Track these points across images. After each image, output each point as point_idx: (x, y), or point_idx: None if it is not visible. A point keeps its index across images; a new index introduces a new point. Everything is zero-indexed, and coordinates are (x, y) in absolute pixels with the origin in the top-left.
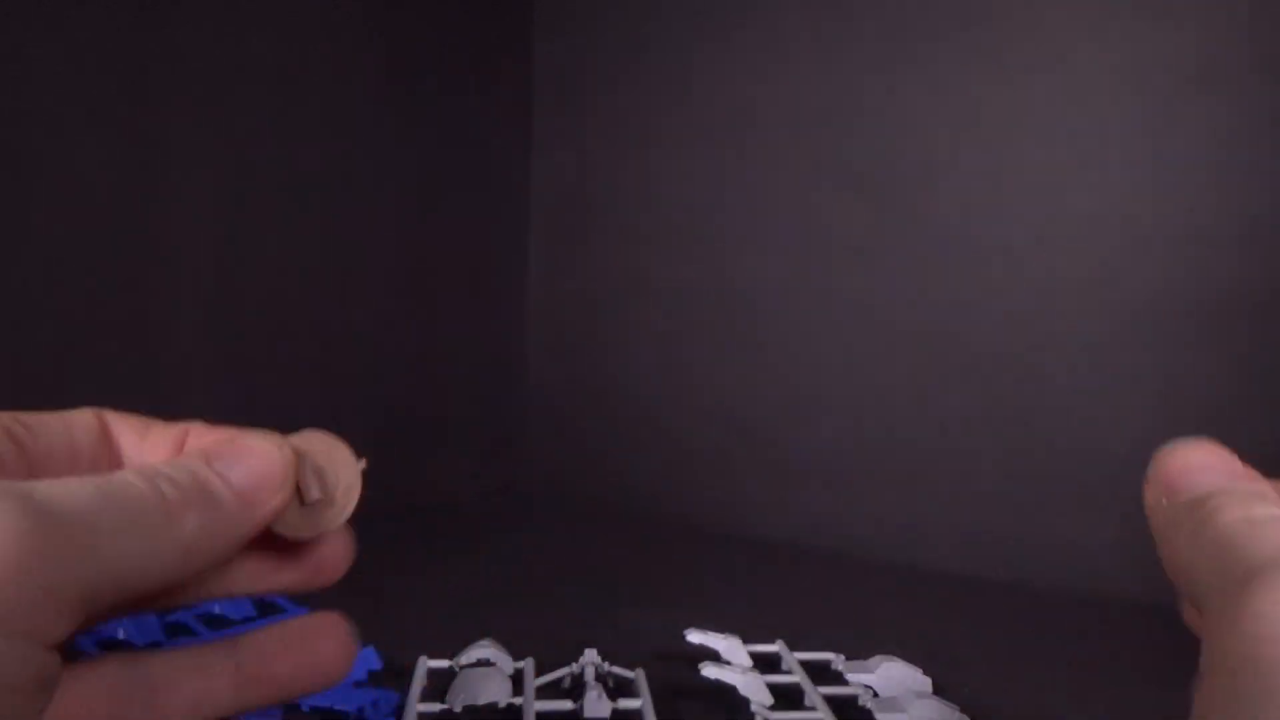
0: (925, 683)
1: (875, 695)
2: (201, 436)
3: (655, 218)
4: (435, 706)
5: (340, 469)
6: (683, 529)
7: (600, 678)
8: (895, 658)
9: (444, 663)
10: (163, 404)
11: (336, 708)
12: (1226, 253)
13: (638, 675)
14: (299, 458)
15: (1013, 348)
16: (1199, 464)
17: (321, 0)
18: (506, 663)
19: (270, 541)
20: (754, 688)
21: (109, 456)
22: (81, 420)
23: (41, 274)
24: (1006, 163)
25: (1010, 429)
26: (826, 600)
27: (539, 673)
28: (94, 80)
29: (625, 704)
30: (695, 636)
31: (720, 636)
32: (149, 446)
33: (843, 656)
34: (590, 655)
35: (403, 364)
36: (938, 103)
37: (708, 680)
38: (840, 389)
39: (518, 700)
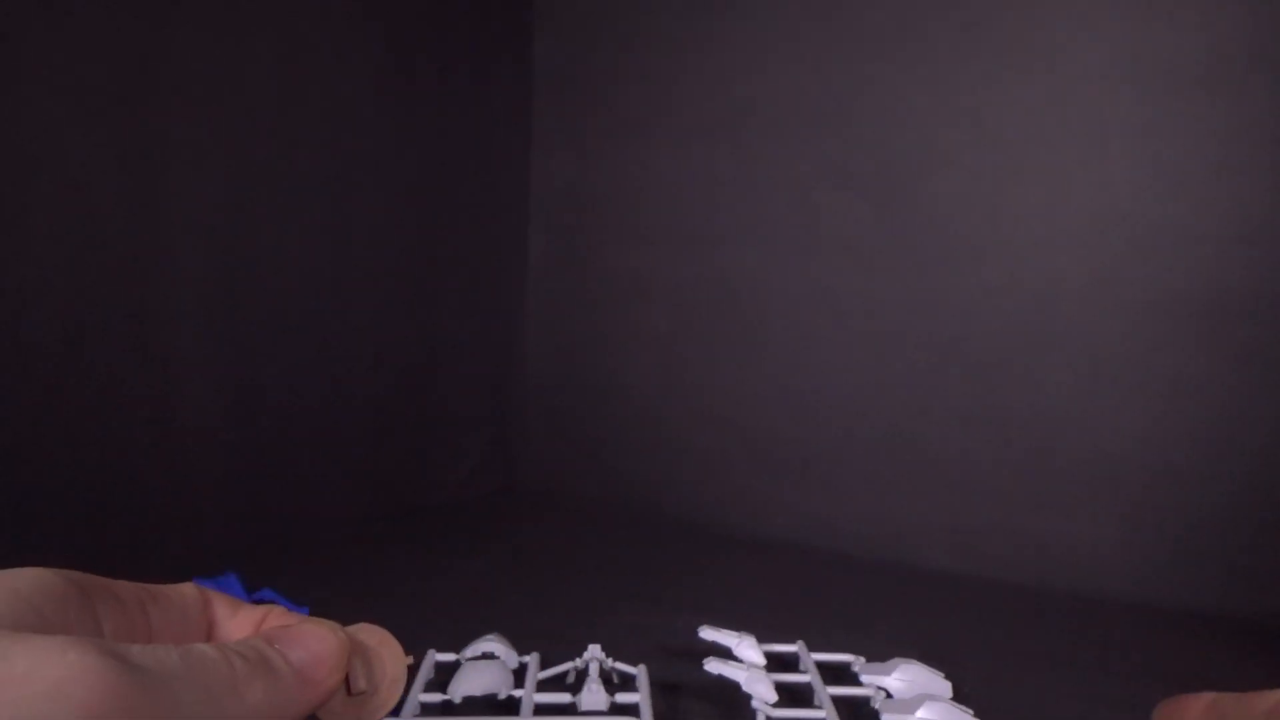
0: (946, 686)
1: (889, 697)
2: (278, 619)
3: (655, 217)
4: (437, 697)
5: (389, 662)
6: (683, 528)
7: (604, 673)
8: (915, 661)
9: (451, 656)
10: (163, 403)
11: None
12: (1227, 253)
13: (640, 671)
14: (351, 646)
15: (1013, 347)
16: None
17: (321, 2)
18: (511, 657)
19: None
20: (757, 685)
21: (207, 628)
22: (190, 594)
23: (41, 273)
24: (1006, 162)
25: (1010, 429)
26: (837, 600)
27: (543, 667)
28: (94, 80)
29: (623, 698)
30: (708, 634)
31: (734, 634)
32: (236, 624)
33: (863, 659)
34: (594, 650)
35: (402, 363)
36: (938, 102)
37: (712, 677)
38: (840, 388)
39: (518, 692)
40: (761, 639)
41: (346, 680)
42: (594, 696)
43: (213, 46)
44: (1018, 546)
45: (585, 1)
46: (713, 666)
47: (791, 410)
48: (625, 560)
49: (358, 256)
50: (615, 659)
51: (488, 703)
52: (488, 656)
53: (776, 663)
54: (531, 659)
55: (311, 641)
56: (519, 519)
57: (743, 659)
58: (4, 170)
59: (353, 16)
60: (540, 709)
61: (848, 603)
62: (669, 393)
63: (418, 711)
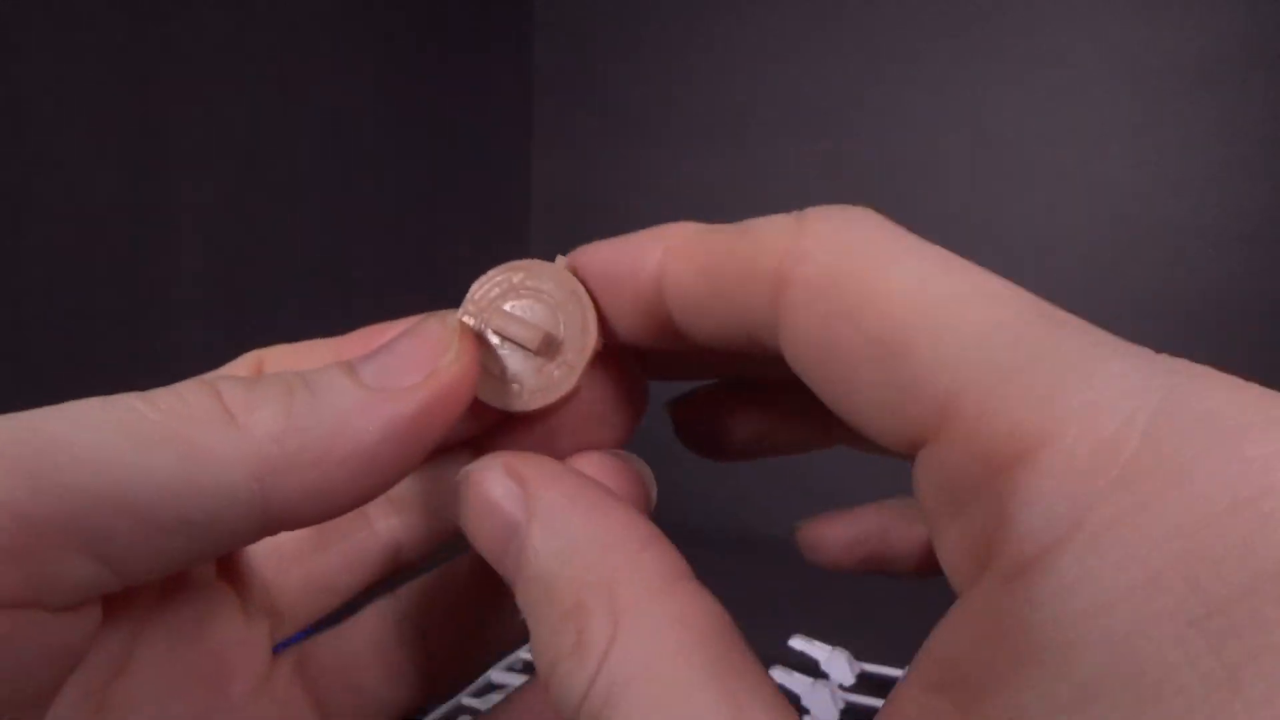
0: None
1: None
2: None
3: (655, 217)
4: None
5: (584, 329)
6: (683, 529)
7: None
8: None
9: None
10: None
11: None
12: (1227, 252)
13: None
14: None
15: None
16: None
17: (321, 2)
18: None
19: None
20: (819, 701)
21: None
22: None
23: (40, 273)
24: (1006, 163)
25: None
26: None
27: None
28: (94, 80)
29: None
30: (799, 644)
31: (825, 647)
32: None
33: None
34: None
35: None
36: (937, 102)
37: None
38: None
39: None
40: (765, 639)
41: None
42: None
43: (213, 46)
44: None
45: (585, 1)
46: (775, 675)
47: None
48: None
49: (358, 256)
50: None
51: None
52: None
53: (871, 683)
54: None
55: (403, 339)
56: None
57: (830, 674)
58: (4, 170)
59: (353, 16)
60: None
61: (847, 604)
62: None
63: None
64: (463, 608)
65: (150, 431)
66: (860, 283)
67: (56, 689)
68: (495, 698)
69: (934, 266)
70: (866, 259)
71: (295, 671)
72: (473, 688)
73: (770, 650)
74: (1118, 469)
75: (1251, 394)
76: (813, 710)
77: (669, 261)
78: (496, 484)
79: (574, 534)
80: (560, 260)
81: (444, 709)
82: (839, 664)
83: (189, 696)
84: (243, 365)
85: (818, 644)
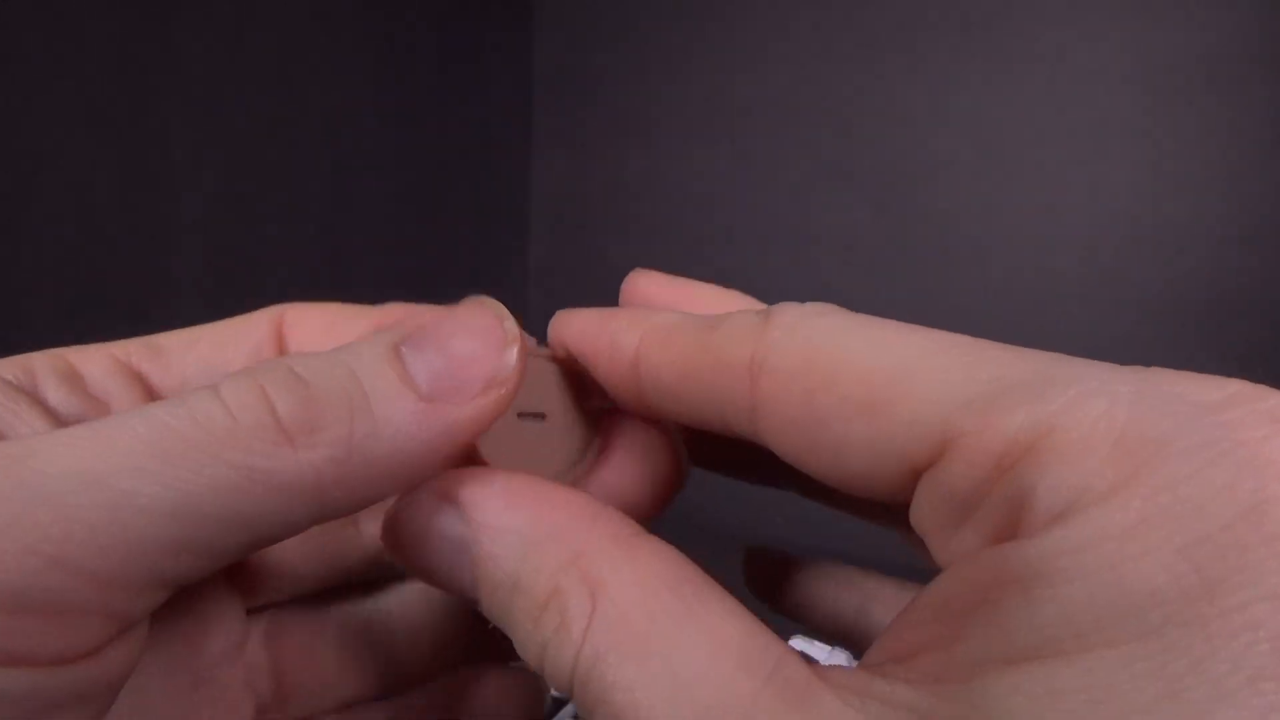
0: None
1: None
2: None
3: (655, 217)
4: None
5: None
6: (683, 529)
7: None
8: None
9: None
10: None
11: None
12: (1228, 252)
13: None
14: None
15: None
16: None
17: (321, 1)
18: None
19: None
20: None
21: None
22: (247, 332)
23: (40, 273)
24: (1006, 162)
25: None
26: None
27: None
28: (94, 80)
29: None
30: (799, 644)
31: (825, 647)
32: (351, 330)
33: None
34: None
35: None
36: (937, 102)
37: None
38: None
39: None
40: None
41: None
42: None
43: (213, 46)
44: None
45: (585, 1)
46: None
47: None
48: None
49: (357, 256)
50: None
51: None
52: None
53: None
54: None
55: (462, 335)
56: None
57: None
58: (4, 170)
59: (352, 16)
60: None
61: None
62: None
63: None
64: (436, 623)
65: (198, 458)
66: (833, 356)
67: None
68: None
69: (897, 333)
70: (835, 337)
71: (266, 637)
72: None
73: None
74: (1110, 443)
75: (1210, 379)
76: None
77: (645, 350)
78: (429, 511)
79: (525, 530)
80: (543, 346)
81: None
82: (839, 663)
83: (169, 649)
84: (265, 321)
85: (818, 644)
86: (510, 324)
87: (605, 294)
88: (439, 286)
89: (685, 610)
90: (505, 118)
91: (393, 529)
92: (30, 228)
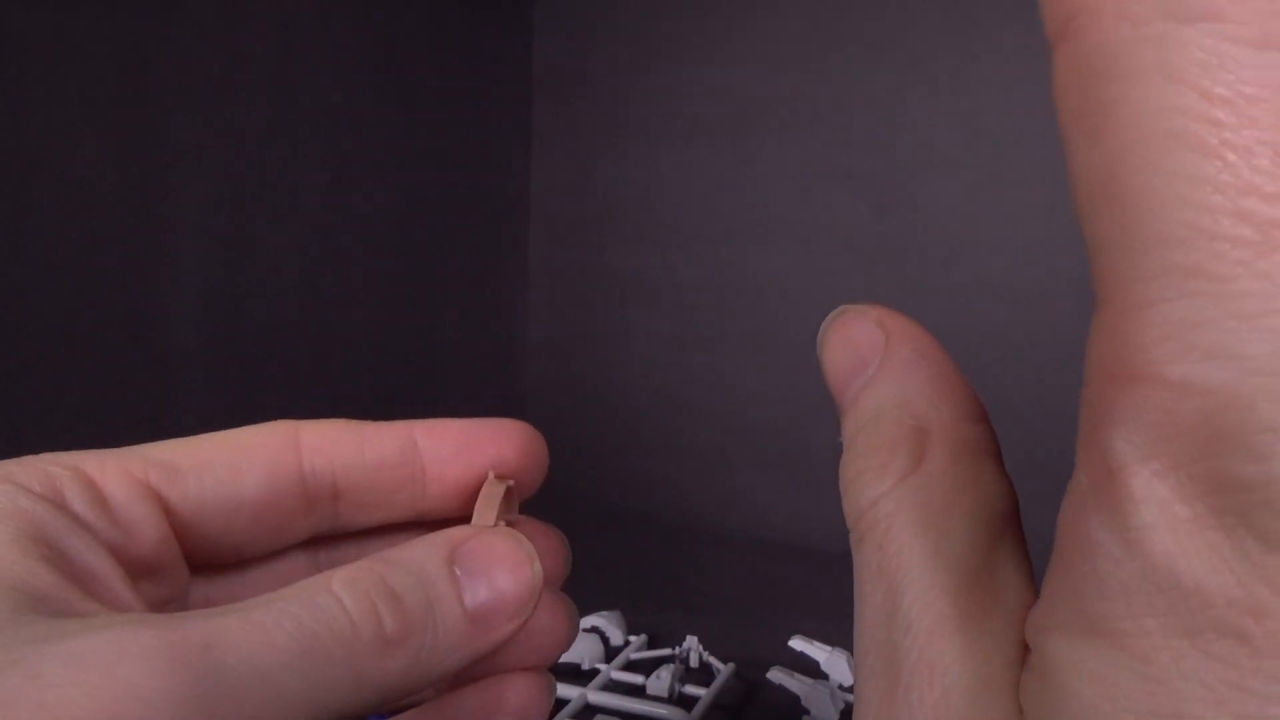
0: None
1: None
2: (435, 439)
3: (656, 217)
4: None
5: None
6: (682, 529)
7: (702, 664)
8: None
9: None
10: (161, 403)
11: None
12: None
13: (726, 669)
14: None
15: (1013, 346)
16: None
17: (321, 0)
18: (616, 634)
19: None
20: (818, 700)
21: (417, 486)
22: (262, 456)
23: (39, 273)
24: (1006, 162)
25: (1011, 427)
26: (838, 601)
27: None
28: (94, 80)
29: (691, 689)
30: (799, 644)
31: (825, 648)
32: (455, 472)
33: None
34: (691, 641)
35: (402, 364)
36: (937, 102)
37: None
38: None
39: (603, 665)
40: (765, 639)
41: None
42: (658, 682)
43: (212, 46)
44: None
45: (585, 1)
46: (775, 676)
47: (792, 410)
48: (623, 560)
49: (357, 256)
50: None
51: (568, 670)
52: (593, 630)
53: None
54: (637, 639)
55: (503, 572)
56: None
57: (830, 675)
58: (4, 170)
59: (352, 17)
60: (614, 684)
61: (847, 604)
62: (669, 392)
63: None
64: None
65: (328, 659)
66: None
67: None
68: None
69: None
70: None
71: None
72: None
73: (770, 650)
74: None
75: None
76: (812, 710)
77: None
78: (864, 327)
79: (913, 387)
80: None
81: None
82: (839, 664)
83: None
84: (275, 442)
85: (817, 644)
86: (538, 565)
87: (605, 294)
88: (438, 287)
89: (972, 531)
90: (505, 118)
91: (832, 324)
92: (30, 228)
